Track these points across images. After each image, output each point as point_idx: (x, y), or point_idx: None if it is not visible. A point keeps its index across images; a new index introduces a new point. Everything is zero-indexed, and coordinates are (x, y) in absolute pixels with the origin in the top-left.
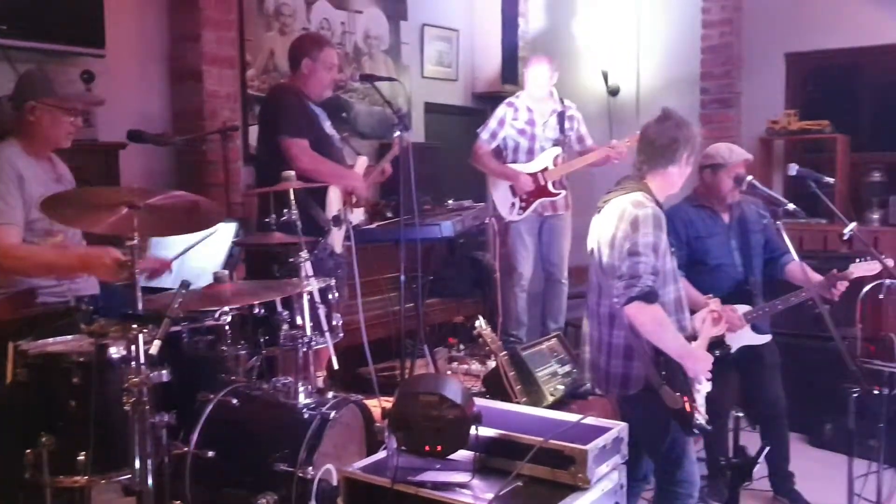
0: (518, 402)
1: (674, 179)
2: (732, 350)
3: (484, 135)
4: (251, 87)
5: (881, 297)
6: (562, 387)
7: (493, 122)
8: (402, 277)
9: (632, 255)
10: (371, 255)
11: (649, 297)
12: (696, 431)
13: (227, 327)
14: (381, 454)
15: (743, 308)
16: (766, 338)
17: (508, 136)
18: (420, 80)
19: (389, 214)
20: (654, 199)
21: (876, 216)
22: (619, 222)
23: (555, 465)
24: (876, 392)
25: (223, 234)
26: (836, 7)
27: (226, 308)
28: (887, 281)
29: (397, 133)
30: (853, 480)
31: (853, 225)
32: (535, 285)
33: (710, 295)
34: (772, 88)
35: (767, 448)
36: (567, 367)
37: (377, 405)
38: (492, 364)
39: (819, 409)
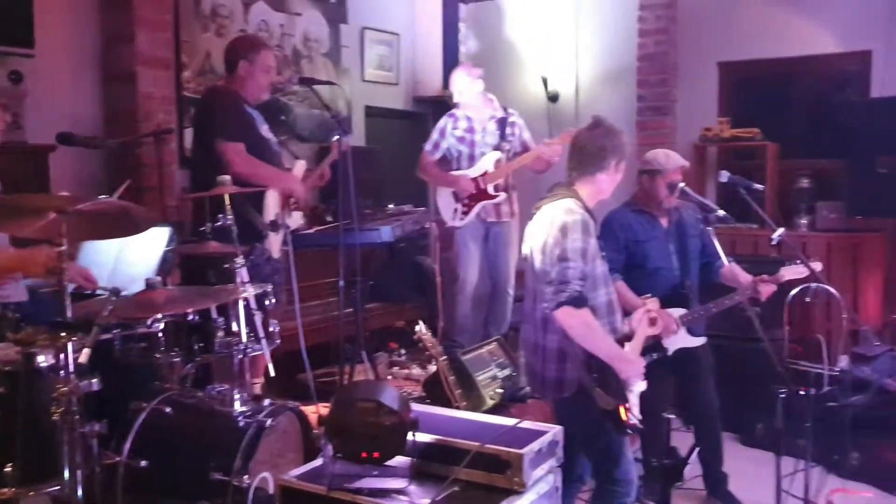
0: (458, 407)
1: (603, 186)
2: (669, 352)
3: (427, 146)
4: (187, 89)
5: (808, 300)
6: (501, 390)
7: (434, 134)
8: (342, 282)
9: (561, 260)
10: (310, 260)
11: (578, 301)
12: (629, 432)
13: (160, 334)
14: (319, 461)
15: (679, 311)
16: (701, 340)
17: (451, 145)
18: (361, 83)
19: (329, 219)
20: (583, 206)
21: (804, 221)
22: (549, 228)
23: (491, 470)
24: (802, 393)
25: (157, 239)
26: (767, 18)
27: (159, 315)
28: (814, 284)
29: (337, 136)
30: (781, 478)
31: (781, 230)
32: (480, 291)
33: (649, 294)
34: (705, 96)
35: (698, 448)
36: (507, 371)
37: (315, 412)
38: (433, 368)
39: (750, 409)
